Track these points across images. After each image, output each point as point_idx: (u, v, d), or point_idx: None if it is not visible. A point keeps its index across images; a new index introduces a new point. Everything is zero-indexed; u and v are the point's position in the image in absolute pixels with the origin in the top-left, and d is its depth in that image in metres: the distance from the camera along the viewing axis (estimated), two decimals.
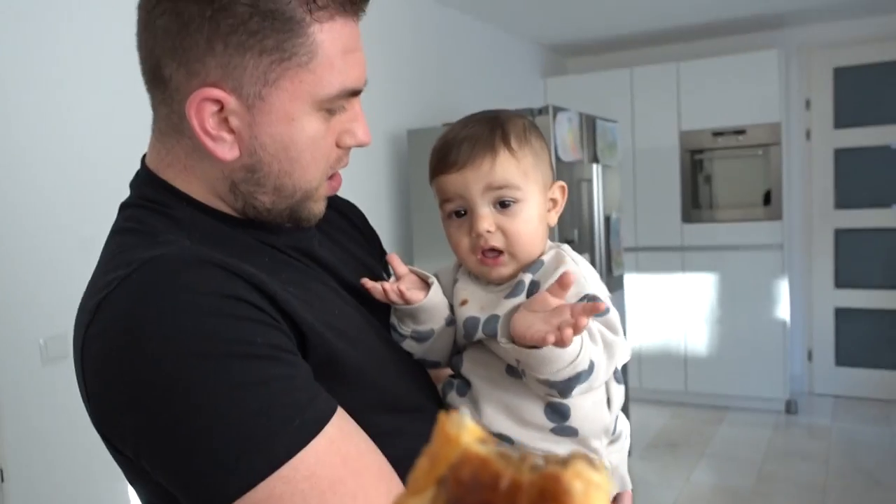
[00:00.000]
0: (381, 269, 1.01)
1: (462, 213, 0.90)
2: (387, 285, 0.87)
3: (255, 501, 0.62)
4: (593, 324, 0.82)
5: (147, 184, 0.80)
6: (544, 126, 2.89)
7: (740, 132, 4.30)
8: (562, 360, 0.76)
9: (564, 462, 0.25)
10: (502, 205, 0.88)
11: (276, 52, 0.71)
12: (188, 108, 0.71)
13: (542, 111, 2.95)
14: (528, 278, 0.88)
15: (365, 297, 0.90)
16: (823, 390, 4.63)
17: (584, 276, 0.88)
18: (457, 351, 0.96)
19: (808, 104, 4.56)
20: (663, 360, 4.52)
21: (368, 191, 3.11)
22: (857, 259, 4.54)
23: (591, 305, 0.74)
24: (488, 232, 0.87)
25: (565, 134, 3.06)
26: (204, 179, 0.78)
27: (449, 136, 0.90)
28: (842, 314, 4.60)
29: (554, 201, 0.95)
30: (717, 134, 4.36)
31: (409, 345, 0.92)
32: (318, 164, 0.78)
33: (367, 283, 0.87)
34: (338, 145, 0.80)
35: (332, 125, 0.78)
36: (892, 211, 4.40)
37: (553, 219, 0.94)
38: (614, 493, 0.95)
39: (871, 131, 4.42)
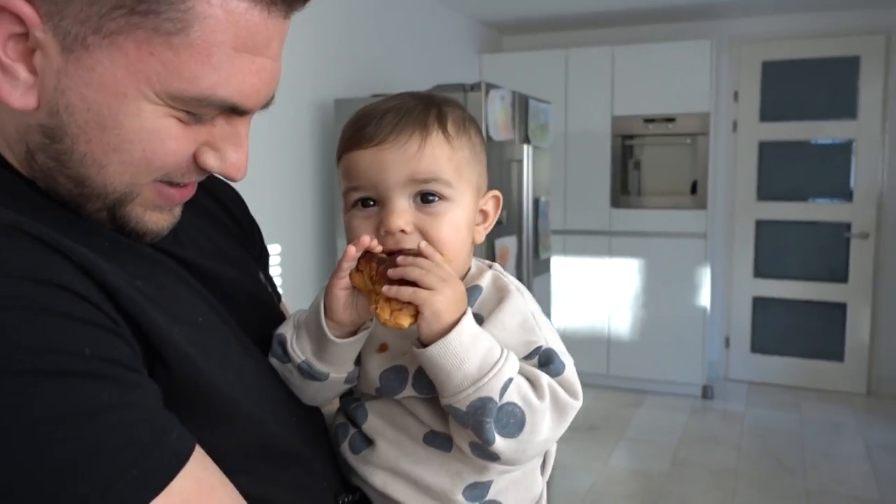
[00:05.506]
0: (253, 268, 0.81)
1: (371, 203, 0.70)
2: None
3: None
4: (543, 377, 0.65)
5: None
6: (477, 103, 2.80)
7: (670, 120, 4.32)
8: (456, 372, 0.62)
9: None
10: (424, 199, 0.69)
11: None
12: None
13: (475, 87, 2.86)
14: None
15: (233, 300, 0.69)
16: (738, 376, 4.75)
17: (534, 314, 0.71)
18: (351, 393, 0.77)
19: (736, 96, 4.62)
20: (587, 343, 4.54)
21: (291, 162, 2.97)
22: (775, 250, 4.65)
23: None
24: (402, 231, 0.68)
25: (497, 112, 2.98)
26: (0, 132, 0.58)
27: (369, 108, 0.72)
28: (759, 303, 4.72)
29: (485, 214, 0.77)
30: (649, 121, 4.37)
31: (287, 370, 0.71)
32: (153, 165, 0.58)
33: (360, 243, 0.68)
34: (196, 160, 0.60)
35: (194, 133, 0.58)
36: (809, 205, 4.53)
37: (481, 235, 0.77)
38: None
39: (794, 126, 4.52)
